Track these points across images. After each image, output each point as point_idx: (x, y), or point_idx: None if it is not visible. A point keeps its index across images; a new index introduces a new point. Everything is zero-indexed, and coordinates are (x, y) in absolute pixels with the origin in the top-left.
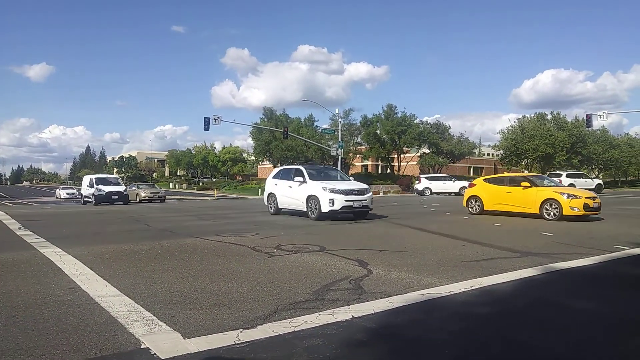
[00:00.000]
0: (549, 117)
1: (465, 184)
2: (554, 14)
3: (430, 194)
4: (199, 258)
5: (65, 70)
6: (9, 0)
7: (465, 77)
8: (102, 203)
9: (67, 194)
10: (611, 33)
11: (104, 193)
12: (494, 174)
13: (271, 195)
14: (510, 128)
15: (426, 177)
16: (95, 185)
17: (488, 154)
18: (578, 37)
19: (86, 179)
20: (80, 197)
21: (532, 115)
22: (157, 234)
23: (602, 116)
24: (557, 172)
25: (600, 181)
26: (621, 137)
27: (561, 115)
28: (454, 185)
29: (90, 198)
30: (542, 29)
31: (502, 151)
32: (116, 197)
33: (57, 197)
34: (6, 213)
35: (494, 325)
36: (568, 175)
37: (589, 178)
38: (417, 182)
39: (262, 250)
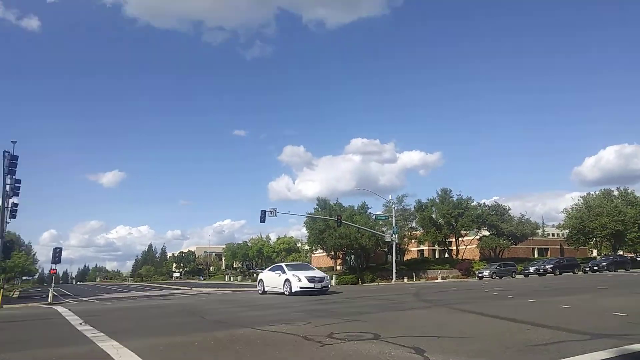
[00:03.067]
0: (616, 193)
1: None
2: (610, 92)
3: None
4: (251, 348)
5: (134, 175)
6: (86, 109)
7: (521, 158)
8: None
9: (310, 279)
10: None
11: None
12: (560, 255)
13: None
14: (574, 206)
15: None
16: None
17: (553, 234)
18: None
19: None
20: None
21: (597, 192)
22: (210, 325)
23: None
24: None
25: None
26: None
27: (629, 191)
28: None
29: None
30: (600, 107)
31: (567, 230)
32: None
33: (280, 290)
34: (69, 310)
35: None
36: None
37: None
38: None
39: (314, 339)
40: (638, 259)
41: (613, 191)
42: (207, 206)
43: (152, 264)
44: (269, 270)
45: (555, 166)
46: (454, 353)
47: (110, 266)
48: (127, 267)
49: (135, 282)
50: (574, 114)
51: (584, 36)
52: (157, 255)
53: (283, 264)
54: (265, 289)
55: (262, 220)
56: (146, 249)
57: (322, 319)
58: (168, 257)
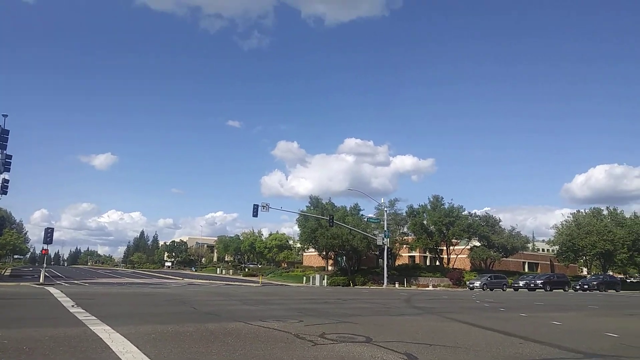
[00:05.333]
0: (605, 212)
1: None
2: (602, 109)
3: None
4: (242, 343)
5: (127, 160)
6: (83, 89)
7: (513, 170)
8: None
9: None
10: None
11: None
12: (550, 270)
13: None
14: (564, 223)
15: None
16: None
17: (543, 249)
18: (629, 133)
19: None
20: None
21: (587, 210)
22: (202, 316)
23: None
24: None
25: None
26: None
27: (618, 211)
28: None
29: None
30: (592, 124)
31: (557, 247)
32: None
33: None
34: (61, 291)
35: None
36: None
37: None
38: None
39: (306, 338)
40: (628, 280)
41: (603, 210)
42: (199, 196)
43: (143, 252)
44: None
45: (547, 181)
46: None
47: (102, 251)
48: (118, 252)
49: (127, 268)
50: (566, 129)
51: (588, 46)
52: (149, 243)
53: None
54: None
55: (255, 214)
56: (138, 236)
57: (314, 318)
58: (160, 245)
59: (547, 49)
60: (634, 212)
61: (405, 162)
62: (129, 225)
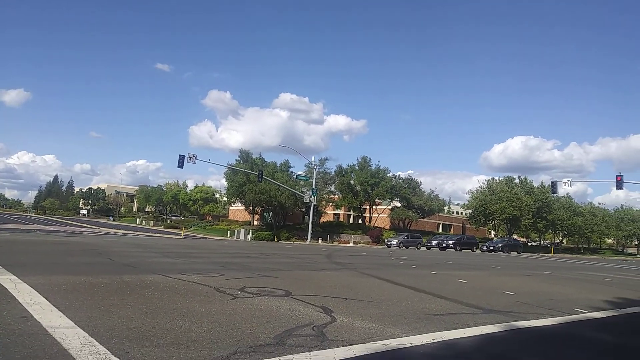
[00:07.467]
0: (517, 181)
1: None
2: (525, 83)
3: None
4: (160, 295)
5: (42, 98)
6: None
7: (438, 137)
8: None
9: None
10: (579, 106)
11: None
12: (462, 232)
13: None
14: (479, 189)
15: None
16: None
17: (457, 212)
18: (547, 108)
19: None
20: None
21: (500, 178)
22: (118, 268)
23: (566, 184)
24: None
25: None
26: (585, 206)
27: (528, 180)
28: None
29: None
30: (514, 96)
31: (470, 210)
32: None
33: None
34: None
35: None
36: None
37: None
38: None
39: (226, 292)
40: (529, 243)
41: (515, 179)
42: (121, 143)
43: (57, 198)
44: None
45: (468, 149)
46: (358, 315)
47: (9, 194)
48: (28, 197)
49: (38, 214)
50: (489, 100)
51: (510, 27)
52: (63, 188)
53: None
54: None
55: (180, 165)
56: (51, 181)
57: (235, 272)
58: (75, 192)
59: (478, 12)
60: (542, 182)
61: (338, 121)
62: (41, 169)
